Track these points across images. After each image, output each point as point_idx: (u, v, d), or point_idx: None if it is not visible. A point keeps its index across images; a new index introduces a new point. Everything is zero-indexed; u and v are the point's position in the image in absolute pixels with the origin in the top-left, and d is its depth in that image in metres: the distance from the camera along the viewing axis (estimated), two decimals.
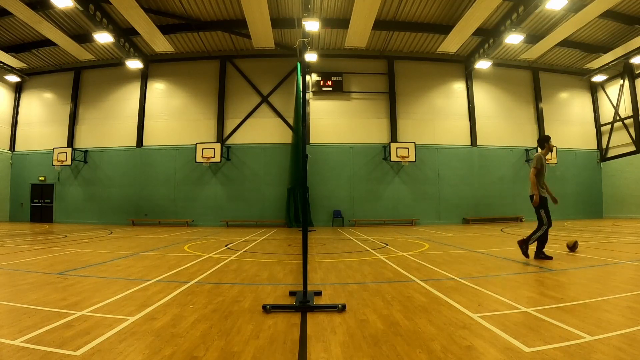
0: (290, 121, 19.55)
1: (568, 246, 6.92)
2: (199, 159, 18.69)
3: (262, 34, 17.17)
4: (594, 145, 22.06)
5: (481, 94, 20.91)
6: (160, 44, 18.33)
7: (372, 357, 2.21)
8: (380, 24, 17.21)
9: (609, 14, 15.86)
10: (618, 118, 20.78)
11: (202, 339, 2.50)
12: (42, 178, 20.51)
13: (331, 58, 20.04)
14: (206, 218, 19.05)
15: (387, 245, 8.84)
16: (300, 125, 17.56)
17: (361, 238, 10.96)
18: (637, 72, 19.94)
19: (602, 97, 22.10)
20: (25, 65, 20.45)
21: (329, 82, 19.83)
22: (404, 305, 3.36)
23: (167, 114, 20.23)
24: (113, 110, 20.54)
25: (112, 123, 20.41)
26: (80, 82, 20.95)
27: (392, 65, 20.36)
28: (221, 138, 19.58)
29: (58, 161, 19.41)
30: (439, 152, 20.02)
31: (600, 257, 6.19)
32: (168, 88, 20.55)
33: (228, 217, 18.95)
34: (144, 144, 20.00)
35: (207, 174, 19.46)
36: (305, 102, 19.40)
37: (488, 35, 18.03)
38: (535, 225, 6.28)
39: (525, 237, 6.03)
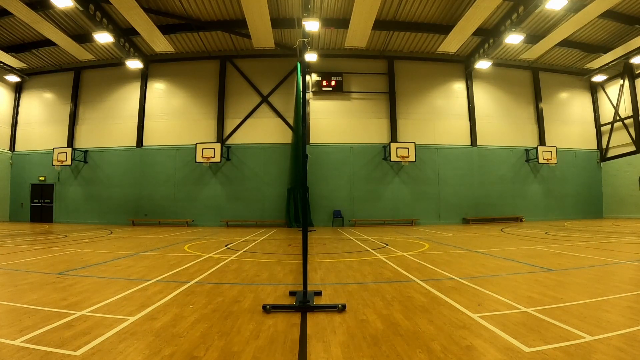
0: (290, 121, 19.55)
1: None
2: (199, 159, 18.69)
3: (262, 34, 17.16)
4: (594, 145, 22.06)
5: (481, 94, 20.91)
6: (160, 44, 18.32)
7: (372, 357, 2.21)
8: (380, 24, 17.20)
9: (609, 14, 15.86)
10: (618, 118, 20.78)
11: (202, 339, 2.50)
12: (42, 178, 20.50)
13: (331, 58, 20.03)
14: (206, 218, 19.04)
15: (387, 245, 8.84)
16: (300, 125, 17.56)
17: (361, 238, 10.95)
18: (637, 72, 19.94)
19: (602, 97, 22.10)
20: (25, 65, 20.45)
21: (329, 82, 19.83)
22: (404, 305, 3.36)
23: (167, 114, 20.23)
24: (113, 110, 20.54)
25: (112, 123, 20.41)
26: (80, 82, 20.95)
27: (392, 65, 20.35)
28: (221, 138, 19.58)
29: (58, 161, 19.41)
30: (439, 152, 20.02)
31: (600, 257, 6.19)
32: (168, 88, 20.55)
33: (228, 217, 18.95)
34: (144, 144, 20.00)
35: (207, 174, 19.46)
36: (305, 102, 19.40)
37: (488, 35, 18.03)
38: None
39: None
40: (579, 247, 7.62)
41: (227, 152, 19.43)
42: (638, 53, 18.04)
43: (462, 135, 20.37)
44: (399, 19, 17.42)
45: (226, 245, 8.86)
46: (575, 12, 15.45)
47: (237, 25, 17.49)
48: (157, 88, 20.56)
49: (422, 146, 19.56)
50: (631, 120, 19.97)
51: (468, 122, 20.48)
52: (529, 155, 20.51)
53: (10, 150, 21.12)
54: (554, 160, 19.95)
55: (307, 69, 19.25)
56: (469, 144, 20.33)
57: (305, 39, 16.17)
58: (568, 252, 6.87)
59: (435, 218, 19.47)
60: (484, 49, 18.73)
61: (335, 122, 19.86)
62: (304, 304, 3.24)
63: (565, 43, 18.56)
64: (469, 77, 20.72)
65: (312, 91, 19.87)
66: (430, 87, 20.61)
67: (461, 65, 20.84)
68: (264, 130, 19.70)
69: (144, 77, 20.40)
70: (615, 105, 20.98)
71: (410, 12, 16.94)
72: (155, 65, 20.50)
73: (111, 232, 13.16)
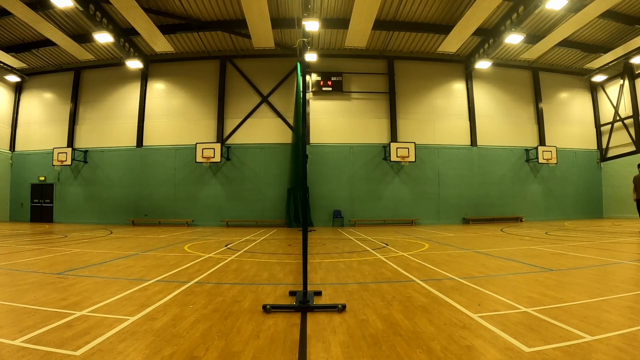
0: (290, 121, 19.55)
1: None
2: (199, 159, 18.69)
3: (262, 34, 17.16)
4: (594, 145, 22.06)
5: (481, 94, 20.91)
6: (160, 44, 18.32)
7: (372, 357, 2.21)
8: (380, 24, 17.20)
9: (609, 14, 15.86)
10: (618, 118, 20.78)
11: (202, 339, 2.50)
12: (42, 178, 20.50)
13: (331, 58, 20.03)
14: (206, 218, 19.04)
15: (387, 245, 8.84)
16: (300, 125, 17.56)
17: (361, 238, 10.95)
18: (637, 72, 19.93)
19: (602, 97, 22.09)
20: (25, 65, 20.45)
21: (329, 82, 19.82)
22: (404, 305, 3.35)
23: (167, 114, 20.23)
24: (113, 110, 20.54)
25: (112, 123, 20.41)
26: (80, 82, 20.95)
27: (392, 65, 20.35)
28: (221, 138, 19.58)
29: (58, 161, 19.41)
30: (439, 152, 20.02)
31: (600, 257, 6.19)
32: (168, 88, 20.55)
33: (228, 217, 18.95)
34: (144, 144, 20.00)
35: (207, 174, 19.46)
36: (305, 102, 19.40)
37: (488, 35, 18.03)
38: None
39: None
40: (579, 247, 7.62)
41: (227, 152, 19.43)
42: (638, 53, 18.04)
43: (462, 135, 20.37)
44: (399, 19, 17.42)
45: (226, 245, 8.86)
46: (575, 12, 15.46)
47: (237, 25, 17.49)
48: (157, 88, 20.56)
49: (422, 146, 19.56)
50: (631, 120, 19.97)
51: (468, 122, 20.48)
52: (529, 155, 20.51)
53: (10, 150, 21.12)
54: (554, 160, 19.96)
55: (307, 69, 19.26)
56: (469, 144, 20.33)
57: (305, 39, 16.18)
58: (568, 252, 6.86)
59: (435, 218, 19.47)
60: (484, 49, 18.73)
61: (335, 122, 19.86)
62: (304, 304, 3.24)
63: (565, 43, 18.56)
64: (469, 77, 20.72)
65: (312, 91, 19.88)
66: (430, 87, 20.61)
67: (461, 65, 20.84)
68: (264, 130, 19.70)
69: (144, 77, 20.40)
70: (615, 105, 20.98)
71: (410, 12, 16.94)
72: (155, 65, 20.50)
73: (111, 232, 13.16)
